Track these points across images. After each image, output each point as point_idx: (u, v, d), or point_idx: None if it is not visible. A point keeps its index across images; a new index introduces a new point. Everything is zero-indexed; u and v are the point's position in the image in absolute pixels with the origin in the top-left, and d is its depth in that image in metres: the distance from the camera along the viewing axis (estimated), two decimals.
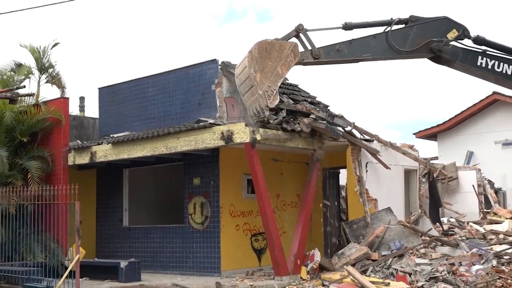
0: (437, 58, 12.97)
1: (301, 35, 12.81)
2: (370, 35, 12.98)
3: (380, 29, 12.97)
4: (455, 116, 28.46)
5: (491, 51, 12.84)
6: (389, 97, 61.99)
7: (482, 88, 59.06)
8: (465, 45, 12.93)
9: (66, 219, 12.86)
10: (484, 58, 12.69)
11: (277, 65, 12.41)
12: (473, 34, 12.93)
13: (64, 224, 12.86)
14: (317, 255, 13.51)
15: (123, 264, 13.95)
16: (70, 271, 11.30)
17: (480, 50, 12.81)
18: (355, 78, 64.17)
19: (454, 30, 12.81)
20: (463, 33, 12.85)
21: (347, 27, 12.98)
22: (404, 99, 61.89)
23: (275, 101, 12.47)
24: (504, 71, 12.64)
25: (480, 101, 27.73)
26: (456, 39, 12.85)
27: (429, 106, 60.81)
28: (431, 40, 12.72)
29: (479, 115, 28.02)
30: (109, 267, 14.34)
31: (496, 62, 12.65)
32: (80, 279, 11.48)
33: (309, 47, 12.75)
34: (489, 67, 12.65)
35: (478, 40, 12.89)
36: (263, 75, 12.31)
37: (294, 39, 12.86)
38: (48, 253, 14.14)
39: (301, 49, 12.82)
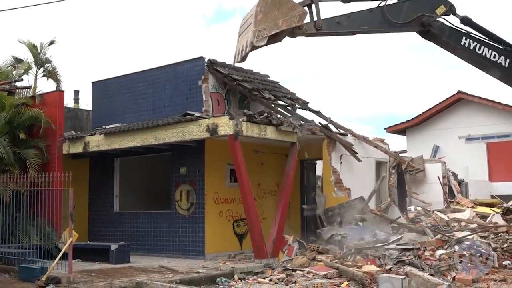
0: (426, 33, 13.05)
1: (313, 6, 12.71)
2: (367, 9, 12.97)
3: (375, 4, 12.98)
4: (423, 113, 28.69)
5: (474, 33, 12.92)
6: (363, 93, 62.32)
7: (448, 87, 59.67)
8: (453, 24, 13.01)
9: (60, 204, 12.73)
10: (468, 39, 12.75)
11: (281, 18, 12.24)
12: (461, 13, 13.01)
13: (58, 209, 12.73)
14: (294, 251, 13.47)
15: (113, 247, 13.87)
16: (64, 253, 11.20)
17: (465, 31, 12.89)
18: (334, 76, 64.36)
19: (442, 5, 12.86)
20: (450, 9, 12.91)
21: (346, 0, 12.97)
22: (377, 95, 62.25)
23: (261, 42, 12.21)
24: (483, 54, 12.70)
25: (446, 99, 27.97)
26: (444, 14, 12.91)
27: (400, 103, 61.27)
28: (422, 14, 12.79)
29: (445, 112, 28.27)
30: (100, 249, 14.24)
31: (478, 45, 12.72)
32: (73, 261, 11.40)
33: (316, 19, 12.67)
34: (471, 48, 12.71)
35: (465, 20, 12.95)
36: (264, 18, 12.13)
37: (306, 9, 12.73)
38: (43, 236, 14.01)
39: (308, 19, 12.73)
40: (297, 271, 11.73)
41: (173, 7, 67.40)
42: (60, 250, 11.47)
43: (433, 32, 12.85)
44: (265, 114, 14.11)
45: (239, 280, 11.64)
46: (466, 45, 12.69)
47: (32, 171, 14.75)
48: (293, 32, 12.59)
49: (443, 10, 12.83)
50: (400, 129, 29.69)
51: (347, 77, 64.32)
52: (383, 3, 12.75)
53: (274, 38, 12.52)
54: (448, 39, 12.82)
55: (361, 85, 63.77)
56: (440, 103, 28.17)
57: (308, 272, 11.47)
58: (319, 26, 12.55)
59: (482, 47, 12.68)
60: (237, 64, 13.51)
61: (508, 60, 12.60)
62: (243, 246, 15.59)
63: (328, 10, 12.70)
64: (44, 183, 12.55)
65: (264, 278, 11.55)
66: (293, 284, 10.78)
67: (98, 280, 11.05)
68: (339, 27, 12.74)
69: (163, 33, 65.34)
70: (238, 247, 15.51)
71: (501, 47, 12.71)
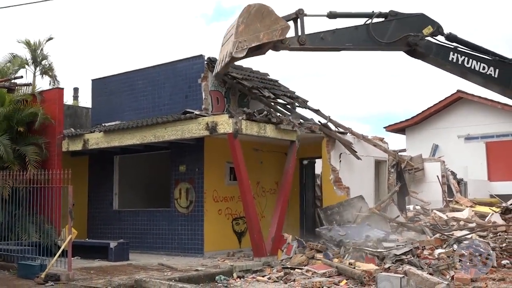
0: (412, 51, 13.00)
1: (298, 20, 12.68)
2: (352, 26, 12.90)
3: (361, 21, 12.94)
4: (422, 112, 28.71)
5: (461, 47, 12.89)
6: (363, 92, 62.34)
7: (447, 86, 59.72)
8: (439, 41, 12.96)
9: (60, 201, 12.75)
10: (455, 54, 12.71)
11: (262, 31, 12.22)
12: (446, 31, 12.98)
13: (57, 207, 12.74)
14: (293, 249, 13.49)
15: (112, 244, 13.89)
16: (63, 250, 11.21)
17: (452, 46, 12.86)
18: (334, 74, 64.36)
19: (430, 26, 12.81)
20: (437, 29, 12.87)
21: (331, 15, 12.91)
22: (376, 94, 62.26)
23: (241, 54, 12.23)
24: (472, 67, 12.68)
25: (445, 98, 27.99)
26: (431, 35, 12.87)
27: (399, 102, 61.32)
28: (408, 34, 12.73)
29: (444, 112, 28.29)
30: (99, 247, 14.26)
31: (466, 58, 12.69)
32: (72, 258, 11.40)
33: (300, 33, 12.62)
34: (459, 62, 12.68)
35: (450, 37, 12.93)
36: (246, 29, 12.13)
37: (289, 23, 12.71)
38: (42, 233, 14.02)
39: (293, 32, 12.70)
40: (296, 270, 11.76)
41: (173, 5, 67.42)
42: (59, 248, 11.47)
43: (420, 51, 12.81)
44: (265, 112, 14.12)
45: (238, 278, 11.66)
46: (455, 60, 12.67)
47: (31, 168, 14.75)
48: (276, 46, 12.63)
49: (430, 31, 12.79)
50: (400, 128, 29.71)
51: (347, 76, 64.38)
52: (369, 21, 12.71)
53: (257, 51, 12.56)
54: (436, 56, 12.79)
55: (360, 84, 63.86)
56: (439, 102, 28.19)
57: (307, 271, 11.49)
58: (302, 41, 12.53)
59: (471, 60, 12.66)
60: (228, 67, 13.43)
61: (497, 70, 12.61)
62: (242, 244, 15.61)
63: (314, 25, 12.67)
64: (44, 180, 12.55)
65: (263, 276, 11.56)
66: (292, 282, 10.80)
67: (97, 278, 11.06)
68: (323, 42, 12.70)
69: (163, 31, 65.37)
70: (237, 245, 15.53)
71: (488, 57, 12.71)
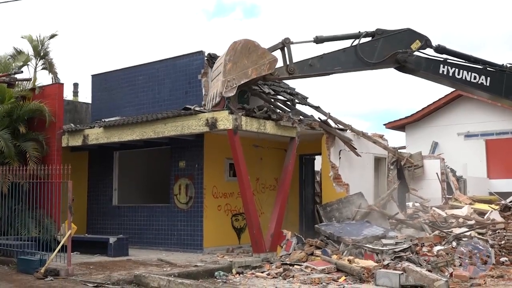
0: (402, 67, 12.96)
1: (285, 48, 12.72)
2: (340, 49, 12.86)
3: (348, 42, 12.91)
4: (422, 109, 28.73)
5: (451, 59, 12.84)
6: (363, 89, 62.32)
7: None
8: (428, 55, 12.90)
9: (59, 197, 12.74)
10: (446, 66, 12.69)
11: (250, 67, 12.30)
12: (434, 43, 12.94)
13: (57, 202, 12.75)
14: (292, 246, 13.50)
15: (112, 240, 13.89)
16: (62, 245, 11.22)
17: (442, 59, 12.82)
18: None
19: (418, 41, 12.80)
20: (426, 43, 12.85)
21: (318, 40, 12.88)
22: (376, 91, 62.23)
23: (231, 93, 12.35)
24: (463, 78, 12.68)
25: (445, 95, 27.99)
26: (419, 49, 12.83)
27: (399, 99, 61.29)
28: (396, 51, 12.68)
29: (444, 109, 28.30)
30: (99, 242, 14.26)
31: (456, 70, 12.67)
32: (72, 253, 11.41)
33: (288, 62, 12.68)
34: (450, 74, 12.67)
35: (439, 49, 12.91)
36: (234, 67, 12.20)
37: (278, 52, 12.78)
38: (42, 228, 14.03)
39: (281, 60, 12.75)
40: (295, 266, 11.77)
41: (174, 0, 67.34)
42: (58, 243, 11.49)
43: (409, 67, 12.77)
44: (265, 108, 14.12)
45: (237, 274, 11.67)
46: (445, 73, 12.65)
47: (31, 164, 14.74)
48: (265, 78, 12.66)
49: (418, 45, 12.79)
50: (399, 125, 29.74)
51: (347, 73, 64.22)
52: (357, 41, 12.66)
53: (246, 83, 12.63)
54: (426, 71, 12.77)
55: (360, 81, 63.80)
56: (439, 99, 28.21)
57: (306, 267, 11.51)
58: (291, 70, 12.56)
59: (461, 71, 12.64)
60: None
61: (489, 79, 12.59)
62: (241, 240, 15.62)
63: (301, 50, 12.80)
64: (44, 175, 12.54)
65: (262, 272, 11.58)
66: (291, 278, 10.82)
67: (96, 273, 11.08)
68: (312, 69, 12.70)
69: (164, 26, 65.28)
70: (236, 241, 15.54)
71: (479, 66, 12.67)
